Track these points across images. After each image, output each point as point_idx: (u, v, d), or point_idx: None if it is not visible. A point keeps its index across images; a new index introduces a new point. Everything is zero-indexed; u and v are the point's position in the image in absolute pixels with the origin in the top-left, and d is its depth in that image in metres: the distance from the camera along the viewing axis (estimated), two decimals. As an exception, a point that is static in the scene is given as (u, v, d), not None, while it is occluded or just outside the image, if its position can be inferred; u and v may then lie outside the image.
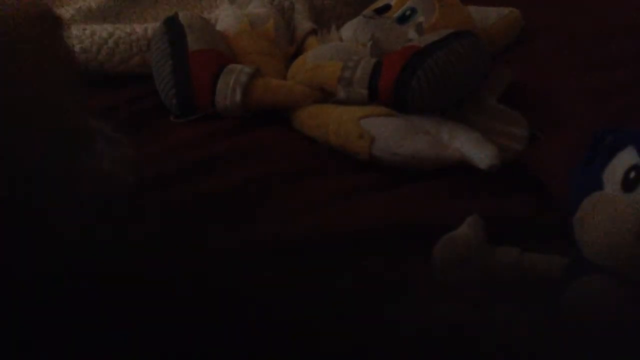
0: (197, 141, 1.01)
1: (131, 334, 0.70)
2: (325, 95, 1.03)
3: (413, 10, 1.11)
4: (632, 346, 0.70)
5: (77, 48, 1.11)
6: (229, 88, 1.03)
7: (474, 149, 0.93)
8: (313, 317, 0.76)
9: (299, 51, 1.15)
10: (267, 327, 0.74)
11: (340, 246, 0.86)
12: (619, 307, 0.73)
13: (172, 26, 1.08)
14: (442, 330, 0.72)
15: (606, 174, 0.78)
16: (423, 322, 0.73)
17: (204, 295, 0.76)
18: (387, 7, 1.14)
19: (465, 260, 0.79)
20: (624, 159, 0.77)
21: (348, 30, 1.12)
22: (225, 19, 1.16)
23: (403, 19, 1.11)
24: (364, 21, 1.11)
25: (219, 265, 0.82)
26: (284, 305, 0.77)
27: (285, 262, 0.83)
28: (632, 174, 0.76)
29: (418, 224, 0.88)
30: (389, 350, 0.71)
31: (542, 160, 0.95)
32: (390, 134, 0.96)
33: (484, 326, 0.73)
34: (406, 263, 0.83)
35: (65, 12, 1.20)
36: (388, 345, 0.72)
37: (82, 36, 1.12)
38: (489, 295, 0.77)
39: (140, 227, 0.85)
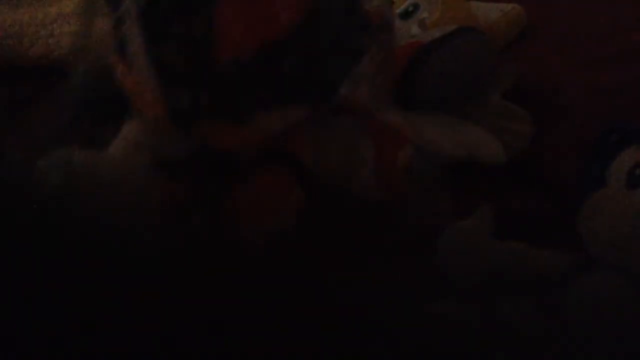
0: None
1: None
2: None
3: (416, 6, 1.11)
4: (637, 344, 0.70)
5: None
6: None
7: (478, 145, 0.93)
8: (315, 314, 0.75)
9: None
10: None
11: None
12: (624, 305, 0.73)
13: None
14: (444, 326, 0.72)
15: (611, 171, 0.78)
16: (424, 318, 0.73)
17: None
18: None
19: (470, 249, 0.79)
20: (629, 156, 0.78)
21: (351, 26, 1.12)
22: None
23: (406, 15, 1.11)
24: (366, 17, 1.11)
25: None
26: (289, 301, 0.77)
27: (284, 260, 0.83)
28: (638, 171, 0.76)
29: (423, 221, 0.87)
30: (392, 346, 0.71)
31: (546, 157, 0.95)
32: (395, 131, 0.96)
33: (486, 322, 0.73)
34: (411, 259, 0.83)
35: (65, 6, 1.19)
36: (391, 341, 0.72)
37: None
38: (492, 290, 0.77)
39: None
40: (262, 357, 0.72)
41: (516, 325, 0.74)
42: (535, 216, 0.89)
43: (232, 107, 0.81)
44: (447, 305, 0.75)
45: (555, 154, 0.95)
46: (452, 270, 0.80)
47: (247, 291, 0.75)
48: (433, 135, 0.94)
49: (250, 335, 0.73)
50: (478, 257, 0.79)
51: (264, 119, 0.81)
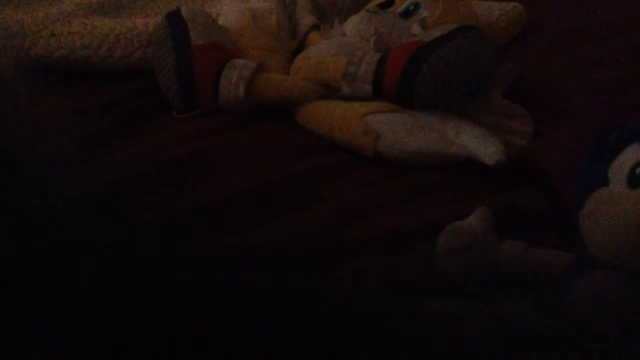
0: (198, 136, 1.01)
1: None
2: (329, 91, 1.03)
3: (416, 5, 1.11)
4: (637, 343, 0.70)
5: (77, 44, 1.10)
6: (232, 83, 1.02)
7: (479, 145, 0.93)
8: (313, 315, 0.75)
9: (301, 46, 1.14)
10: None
11: (343, 244, 0.86)
12: (624, 304, 0.73)
13: (175, 21, 1.07)
14: (443, 325, 0.72)
15: (612, 170, 0.78)
16: (423, 317, 0.73)
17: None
18: (390, 2, 1.13)
19: (468, 248, 0.79)
20: (630, 155, 0.77)
21: (351, 25, 1.12)
22: (227, 13, 1.16)
23: (407, 14, 1.11)
24: (367, 16, 1.11)
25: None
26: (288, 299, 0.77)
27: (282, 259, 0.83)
28: (638, 170, 0.76)
29: (423, 220, 0.87)
30: (391, 345, 0.71)
31: (547, 156, 0.95)
32: (395, 130, 0.96)
33: (485, 321, 0.73)
34: (411, 257, 0.83)
35: (67, 7, 1.19)
36: (390, 340, 0.72)
37: (83, 32, 1.12)
38: (492, 289, 0.77)
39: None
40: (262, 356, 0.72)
41: (516, 325, 0.73)
42: (536, 215, 0.89)
43: None
44: (447, 304, 0.75)
45: (555, 153, 0.95)
46: (452, 269, 0.80)
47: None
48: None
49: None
50: (478, 257, 0.79)
51: None
